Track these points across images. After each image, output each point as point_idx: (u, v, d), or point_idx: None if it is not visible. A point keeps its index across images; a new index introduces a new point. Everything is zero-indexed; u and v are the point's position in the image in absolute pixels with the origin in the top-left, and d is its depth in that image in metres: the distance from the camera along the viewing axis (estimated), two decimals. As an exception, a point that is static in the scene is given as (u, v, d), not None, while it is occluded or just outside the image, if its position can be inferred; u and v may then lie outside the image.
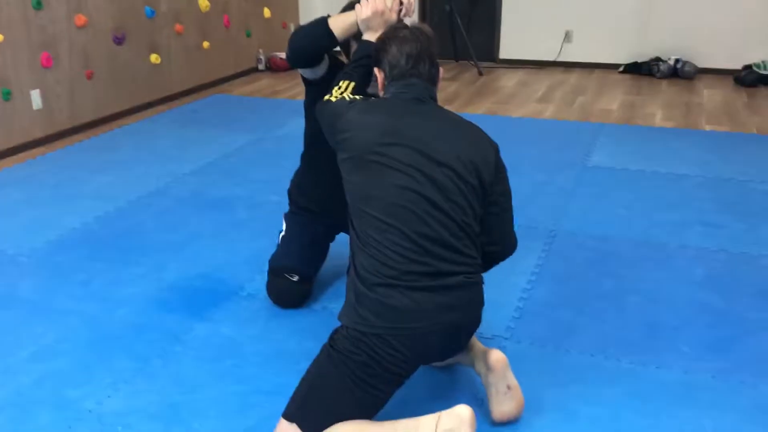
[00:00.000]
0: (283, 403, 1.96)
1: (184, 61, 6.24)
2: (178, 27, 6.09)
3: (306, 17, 7.96)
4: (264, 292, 2.80)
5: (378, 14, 2.26)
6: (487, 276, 2.09)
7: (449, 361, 2.27)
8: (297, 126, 2.72)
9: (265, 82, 6.93)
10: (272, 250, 2.83)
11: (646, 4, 6.88)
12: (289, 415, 1.92)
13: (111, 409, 2.19)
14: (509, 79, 6.91)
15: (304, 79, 2.62)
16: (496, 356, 2.06)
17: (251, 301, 2.82)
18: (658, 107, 5.80)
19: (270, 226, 3.21)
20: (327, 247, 2.86)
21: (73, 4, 5.01)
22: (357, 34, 2.35)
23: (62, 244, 3.35)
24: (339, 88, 2.18)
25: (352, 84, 2.20)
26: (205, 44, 6.47)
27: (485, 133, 2.10)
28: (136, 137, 5.10)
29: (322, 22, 2.34)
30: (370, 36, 2.28)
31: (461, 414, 1.82)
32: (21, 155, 4.67)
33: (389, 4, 2.27)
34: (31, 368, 2.39)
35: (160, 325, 2.65)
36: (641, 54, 7.01)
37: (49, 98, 4.91)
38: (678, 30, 6.83)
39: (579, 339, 2.54)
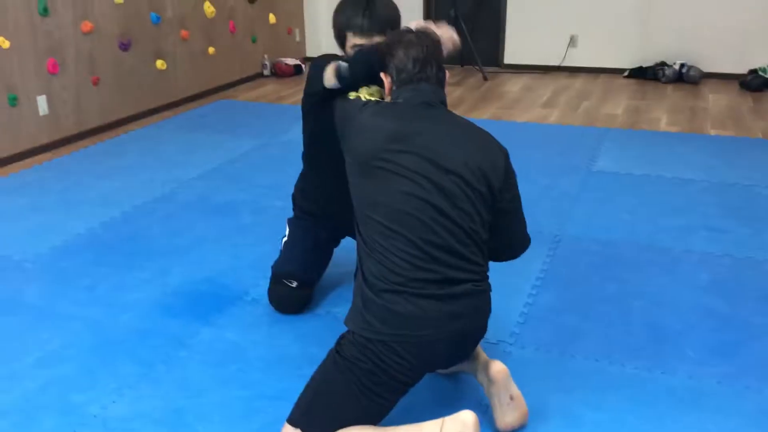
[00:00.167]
0: (287, 408, 1.96)
1: (189, 67, 6.26)
2: (183, 33, 6.11)
3: (311, 23, 7.99)
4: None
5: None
6: (491, 281, 2.08)
7: (452, 369, 2.26)
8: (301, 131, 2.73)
9: (270, 87, 6.95)
10: (276, 255, 2.84)
11: (651, 8, 6.88)
12: (293, 421, 1.92)
13: (116, 414, 2.19)
14: (514, 84, 6.92)
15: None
16: (497, 368, 2.05)
17: (256, 306, 2.82)
18: (663, 112, 5.79)
19: (274, 231, 3.22)
20: (330, 252, 2.86)
21: (80, 11, 5.04)
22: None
23: (67, 249, 3.36)
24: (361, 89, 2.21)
25: (374, 88, 2.21)
26: (211, 50, 6.50)
27: (494, 138, 2.09)
28: (141, 143, 5.11)
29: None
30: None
31: (465, 420, 1.82)
32: (27, 161, 4.70)
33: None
34: (37, 374, 2.40)
35: (165, 330, 2.66)
36: (646, 59, 7.00)
37: (55, 104, 4.94)
38: (683, 34, 6.83)
39: (584, 344, 2.54)
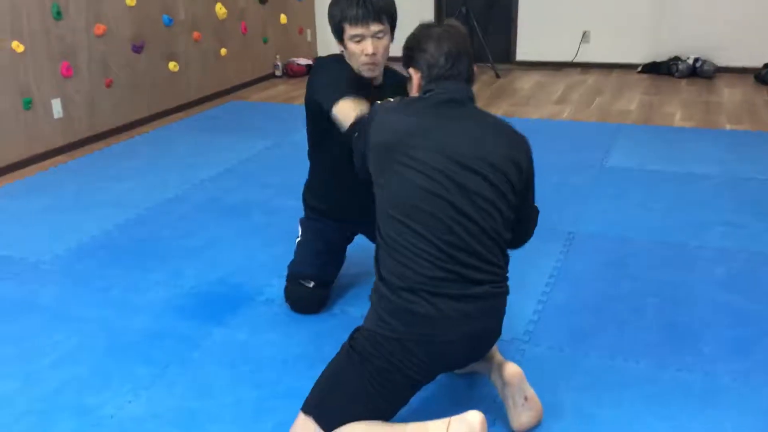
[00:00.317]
0: (300, 408, 1.97)
1: (201, 68, 6.28)
2: (195, 34, 6.14)
3: (322, 24, 7.98)
4: (282, 297, 2.81)
5: None
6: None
7: (466, 369, 2.25)
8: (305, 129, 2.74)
9: (282, 88, 6.96)
10: (289, 254, 2.84)
11: (664, 3, 6.83)
12: (307, 410, 1.93)
13: (131, 415, 2.20)
14: (526, 81, 6.89)
15: None
16: (511, 370, 2.03)
17: (269, 306, 2.83)
18: (677, 107, 5.75)
19: (287, 231, 3.22)
20: (344, 251, 2.86)
21: (92, 14, 5.06)
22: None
23: (82, 251, 3.38)
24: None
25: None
26: (223, 51, 6.52)
27: (520, 136, 2.05)
28: (154, 144, 5.14)
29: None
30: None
31: (471, 420, 1.81)
32: (43, 163, 4.73)
33: None
34: (52, 375, 2.42)
35: (179, 331, 2.67)
36: (660, 54, 6.95)
37: (69, 107, 4.97)
38: (696, 29, 6.77)
39: (598, 341, 2.52)
